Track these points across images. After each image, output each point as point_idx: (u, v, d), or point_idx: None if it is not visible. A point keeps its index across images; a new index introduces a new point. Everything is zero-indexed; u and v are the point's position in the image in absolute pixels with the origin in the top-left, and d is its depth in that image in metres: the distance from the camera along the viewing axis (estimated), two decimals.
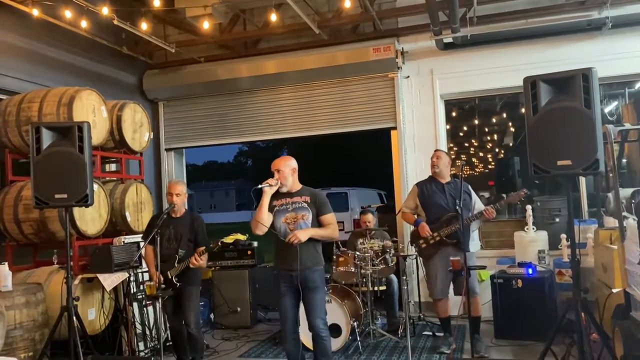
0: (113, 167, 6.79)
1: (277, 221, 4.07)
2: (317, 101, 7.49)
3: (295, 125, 7.61)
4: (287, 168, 4.09)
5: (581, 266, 3.82)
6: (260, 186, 4.00)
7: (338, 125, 7.43)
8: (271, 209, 4.07)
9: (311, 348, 4.79)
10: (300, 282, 3.94)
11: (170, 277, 4.61)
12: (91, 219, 5.35)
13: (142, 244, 4.90)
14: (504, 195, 8.24)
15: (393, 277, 6.07)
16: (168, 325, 5.06)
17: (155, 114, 8.09)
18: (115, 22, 5.89)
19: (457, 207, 4.99)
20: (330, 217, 4.10)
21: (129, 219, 5.81)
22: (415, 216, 5.37)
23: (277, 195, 4.09)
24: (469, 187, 5.23)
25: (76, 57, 6.73)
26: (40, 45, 6.20)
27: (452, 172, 5.47)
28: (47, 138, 4.32)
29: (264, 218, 3.99)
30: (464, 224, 4.87)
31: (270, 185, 3.99)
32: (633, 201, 4.42)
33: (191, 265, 4.56)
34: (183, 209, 4.85)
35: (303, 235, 3.93)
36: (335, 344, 5.04)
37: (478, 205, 5.16)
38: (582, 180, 6.45)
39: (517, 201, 5.15)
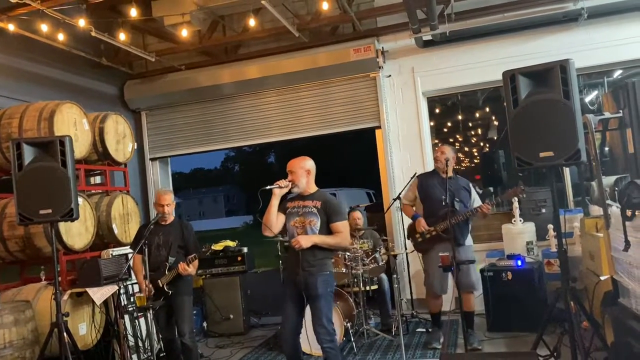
0: (98, 179, 6.73)
1: (288, 223, 3.97)
2: (301, 104, 7.49)
3: (280, 128, 7.61)
4: (301, 169, 3.94)
5: (569, 255, 3.86)
6: (268, 187, 3.85)
7: (323, 127, 7.44)
8: (284, 210, 3.99)
9: (309, 353, 4.90)
10: (303, 289, 3.84)
11: (161, 285, 4.58)
12: (78, 233, 5.30)
13: (130, 255, 4.86)
14: (491, 188, 8.34)
15: (383, 275, 6.08)
16: (160, 336, 5.01)
17: (138, 124, 8.04)
18: (93, 33, 5.84)
19: (455, 203, 5.01)
20: (341, 226, 3.91)
21: (116, 231, 5.76)
22: (414, 209, 5.36)
23: (292, 197, 4.00)
24: (470, 184, 5.26)
25: (55, 71, 6.67)
26: (18, 60, 6.13)
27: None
28: (28, 154, 4.26)
29: (272, 221, 3.88)
30: (462, 220, 4.90)
31: (280, 187, 3.85)
32: (616, 189, 4.47)
33: (181, 274, 4.54)
34: (172, 217, 4.84)
35: (305, 241, 3.80)
36: None
37: (477, 202, 5.17)
38: (566, 170, 6.52)
39: (513, 197, 5.16)
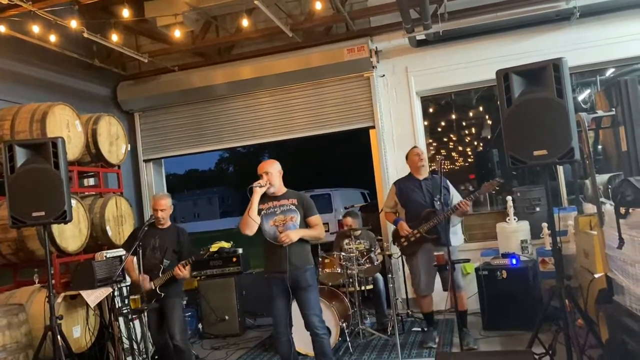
0: (91, 181, 6.68)
1: (265, 224, 4.14)
2: (295, 104, 7.48)
3: (274, 129, 7.59)
4: (275, 170, 4.21)
5: (563, 253, 3.86)
6: (252, 185, 4.11)
7: (317, 127, 7.43)
8: (258, 212, 4.14)
9: (304, 353, 4.91)
10: (291, 283, 4.02)
11: (154, 287, 4.57)
12: (71, 235, 5.27)
13: (124, 256, 4.85)
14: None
15: (378, 275, 6.08)
16: (152, 340, 4.99)
17: (132, 125, 8.00)
18: (86, 35, 5.81)
19: (434, 203, 5.04)
20: (316, 219, 4.23)
21: (109, 233, 5.74)
22: (396, 214, 5.39)
23: (263, 198, 4.15)
24: (447, 182, 5.26)
25: (47, 72, 6.62)
26: (9, 61, 6.09)
27: (431, 167, 5.51)
28: (20, 156, 4.23)
29: (255, 216, 4.08)
30: (445, 218, 4.91)
31: (261, 186, 4.11)
32: (610, 186, 4.49)
33: (175, 276, 4.53)
34: (169, 222, 4.87)
35: (294, 235, 4.05)
36: None
37: (456, 199, 5.19)
38: (560, 168, 6.54)
39: (490, 190, 5.17)
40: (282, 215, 4.14)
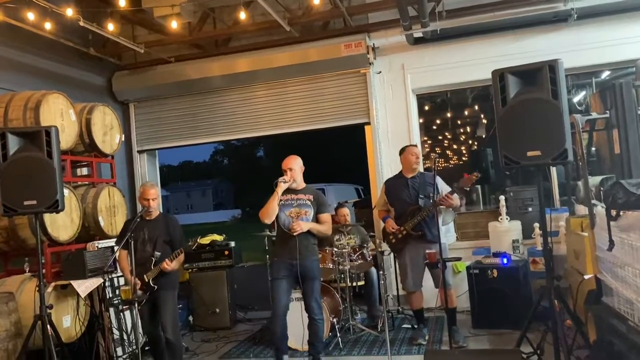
0: (84, 171, 6.65)
1: (281, 214, 4.53)
2: (291, 98, 7.47)
3: (269, 123, 7.58)
4: (297, 167, 4.61)
5: (554, 254, 3.89)
6: (277, 180, 4.50)
7: (312, 122, 7.43)
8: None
9: (294, 348, 5.13)
10: (301, 272, 4.42)
11: (147, 280, 4.55)
12: (63, 225, 5.25)
13: (115, 249, 4.83)
14: (478, 186, 8.36)
15: (373, 270, 6.10)
16: (144, 331, 4.99)
17: (126, 116, 7.96)
18: (81, 23, 5.77)
19: (419, 200, 5.07)
20: (327, 216, 4.65)
21: (102, 224, 5.72)
22: (388, 213, 5.42)
23: (284, 191, 4.52)
24: (437, 178, 5.25)
25: (42, 60, 6.57)
26: (4, 48, 6.04)
27: (425, 165, 5.53)
28: (13, 144, 4.20)
29: (275, 208, 4.47)
30: (428, 214, 4.93)
31: (285, 181, 4.50)
32: (602, 189, 4.51)
33: (163, 270, 4.51)
34: (157, 212, 4.82)
35: (305, 225, 4.46)
36: None
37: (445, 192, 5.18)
38: (553, 169, 6.57)
39: (469, 185, 5.17)
40: (297, 208, 4.55)
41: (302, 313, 4.69)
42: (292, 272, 4.44)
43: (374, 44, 7.04)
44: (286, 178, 4.51)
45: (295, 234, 4.40)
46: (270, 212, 4.47)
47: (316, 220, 4.57)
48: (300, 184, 4.63)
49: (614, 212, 3.27)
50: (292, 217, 4.51)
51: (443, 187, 5.22)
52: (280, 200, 4.50)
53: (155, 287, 4.55)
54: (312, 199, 4.59)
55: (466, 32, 6.68)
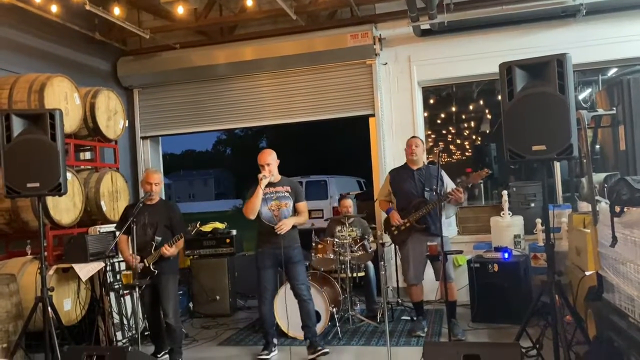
0: (87, 155, 6.65)
1: (262, 208, 4.70)
2: (295, 88, 7.43)
3: (273, 112, 7.56)
4: (274, 161, 4.75)
5: (555, 250, 3.88)
6: (258, 176, 4.63)
7: (316, 113, 7.40)
8: None
9: (287, 334, 5.24)
10: (285, 259, 4.65)
11: (147, 264, 4.57)
12: (65, 208, 5.26)
13: (117, 234, 4.85)
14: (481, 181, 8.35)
15: (370, 263, 6.11)
16: (145, 316, 5.01)
17: (130, 101, 7.94)
18: (87, 7, 5.74)
19: (425, 193, 5.05)
20: (304, 205, 4.86)
21: (104, 208, 5.72)
22: (390, 204, 5.40)
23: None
24: (442, 172, 5.25)
25: (47, 43, 6.55)
26: (9, 30, 6.02)
27: (429, 159, 5.51)
28: (17, 126, 4.19)
29: (259, 205, 4.65)
30: (434, 208, 4.92)
31: (265, 177, 4.64)
32: (605, 185, 4.50)
33: (162, 255, 4.53)
34: (158, 197, 4.85)
35: (289, 223, 4.66)
36: None
37: (450, 188, 5.18)
38: (557, 166, 6.56)
39: (479, 180, 5.17)
40: (277, 201, 4.73)
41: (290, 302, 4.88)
42: (277, 261, 4.70)
43: (380, 34, 7.00)
44: (265, 174, 4.64)
45: (280, 233, 4.59)
46: (255, 208, 4.64)
47: (294, 209, 4.78)
48: (277, 176, 4.80)
49: (617, 209, 3.26)
50: (272, 210, 4.71)
51: (448, 182, 5.22)
52: None
53: (156, 271, 4.57)
54: (289, 190, 4.79)
55: (474, 25, 6.63)
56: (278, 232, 4.59)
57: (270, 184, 4.72)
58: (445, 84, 7.63)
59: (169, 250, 4.54)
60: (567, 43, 6.26)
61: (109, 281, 5.27)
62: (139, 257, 4.52)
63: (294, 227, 4.76)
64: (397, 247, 5.64)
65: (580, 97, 7.39)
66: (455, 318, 5.17)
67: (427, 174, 5.19)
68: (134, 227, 4.45)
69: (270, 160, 4.72)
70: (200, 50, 7.53)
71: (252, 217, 4.69)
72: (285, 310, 5.06)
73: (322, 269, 5.71)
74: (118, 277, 5.36)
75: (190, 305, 6.73)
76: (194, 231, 4.65)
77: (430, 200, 5.02)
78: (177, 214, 4.79)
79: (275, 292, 4.94)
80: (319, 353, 4.62)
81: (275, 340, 4.95)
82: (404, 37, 6.98)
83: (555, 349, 3.47)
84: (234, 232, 6.89)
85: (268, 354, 4.80)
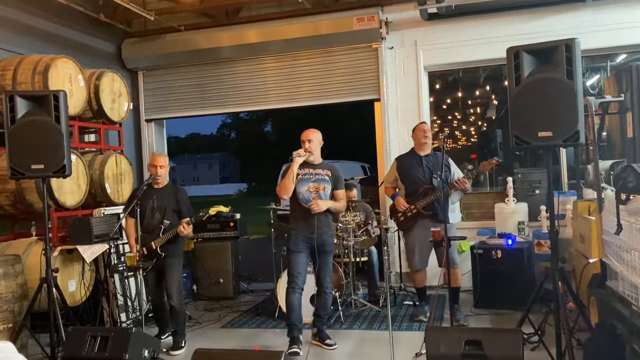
0: (92, 137, 6.65)
1: (299, 188, 4.47)
2: (300, 72, 7.38)
3: (278, 96, 7.51)
4: (316, 140, 4.54)
5: (559, 237, 3.87)
6: (294, 154, 4.41)
7: (321, 97, 7.35)
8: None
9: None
10: (318, 245, 4.44)
11: (154, 247, 4.60)
12: (70, 190, 5.27)
13: (122, 216, 4.86)
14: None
15: (373, 248, 6.12)
16: (150, 298, 5.05)
17: (135, 84, 7.92)
18: None
19: (433, 180, 5.03)
20: (342, 193, 4.65)
21: (108, 190, 5.74)
22: (397, 190, 5.39)
23: (301, 164, 4.45)
24: (449, 159, 5.24)
25: (51, 24, 6.51)
26: (13, 11, 5.98)
27: (434, 145, 5.48)
28: (21, 107, 4.18)
29: (291, 184, 4.42)
30: (440, 195, 4.90)
31: (300, 155, 4.39)
32: (612, 173, 4.47)
33: (179, 233, 4.55)
34: (166, 181, 4.86)
35: (323, 205, 4.44)
36: None
37: (457, 176, 5.17)
38: (563, 152, 6.51)
39: (489, 169, 5.15)
40: (316, 183, 4.49)
41: (306, 287, 4.69)
42: (310, 245, 4.47)
43: (387, 18, 6.92)
44: (301, 152, 4.41)
45: (313, 213, 4.39)
46: (289, 188, 4.41)
47: (332, 196, 4.55)
48: (318, 158, 4.57)
49: (623, 196, 3.24)
50: (310, 192, 4.47)
51: (455, 170, 5.20)
52: (298, 174, 4.44)
53: (163, 254, 4.60)
54: (330, 175, 4.55)
55: (481, 9, 6.55)
56: (311, 210, 4.37)
57: (311, 165, 4.51)
58: (452, 69, 7.55)
59: (186, 229, 4.55)
60: (575, 28, 6.18)
61: (113, 263, 5.30)
62: (145, 249, 4.54)
63: (329, 212, 4.56)
64: (402, 232, 5.63)
65: (588, 83, 7.32)
66: (457, 304, 5.18)
67: (435, 160, 5.16)
68: (138, 209, 4.47)
69: (312, 137, 4.51)
70: (205, 32, 7.48)
71: (286, 196, 4.47)
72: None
73: None
74: (122, 259, 5.39)
75: (194, 287, 6.77)
76: (205, 216, 4.65)
77: (437, 187, 5.00)
78: (185, 198, 4.80)
79: (305, 279, 4.57)
80: (325, 346, 4.55)
81: (301, 338, 4.54)
82: (411, 21, 6.90)
83: (557, 336, 3.47)
84: (238, 215, 6.91)
85: (298, 347, 4.42)
